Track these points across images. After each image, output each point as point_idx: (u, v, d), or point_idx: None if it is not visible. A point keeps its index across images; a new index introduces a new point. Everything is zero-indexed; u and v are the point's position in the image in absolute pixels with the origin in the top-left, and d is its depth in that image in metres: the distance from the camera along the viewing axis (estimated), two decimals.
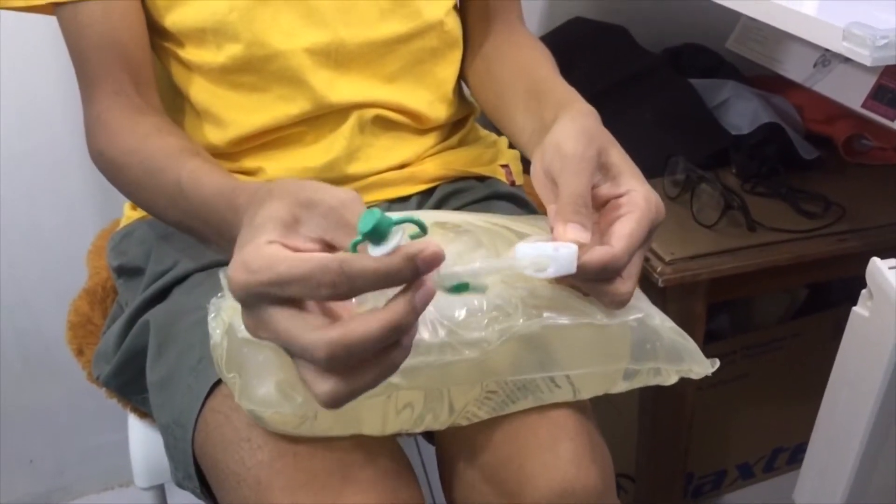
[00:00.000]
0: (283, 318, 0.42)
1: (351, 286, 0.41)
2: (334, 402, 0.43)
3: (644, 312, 0.55)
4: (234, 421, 0.58)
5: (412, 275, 0.41)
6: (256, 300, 0.43)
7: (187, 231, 0.63)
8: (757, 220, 0.98)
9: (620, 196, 0.53)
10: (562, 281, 0.53)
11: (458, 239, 0.58)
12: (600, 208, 0.54)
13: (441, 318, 0.50)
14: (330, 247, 0.45)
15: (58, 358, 1.24)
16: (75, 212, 1.19)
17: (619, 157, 0.54)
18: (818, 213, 1.00)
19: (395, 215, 0.42)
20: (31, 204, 1.18)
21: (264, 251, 0.43)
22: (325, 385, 0.43)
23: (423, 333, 0.50)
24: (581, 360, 0.55)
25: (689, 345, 0.57)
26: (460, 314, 0.51)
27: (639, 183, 0.53)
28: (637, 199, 0.52)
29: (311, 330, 0.42)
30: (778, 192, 1.04)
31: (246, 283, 0.42)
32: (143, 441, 0.81)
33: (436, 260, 0.41)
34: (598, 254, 0.50)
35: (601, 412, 0.67)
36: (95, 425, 1.35)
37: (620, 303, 0.52)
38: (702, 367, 0.57)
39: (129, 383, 0.74)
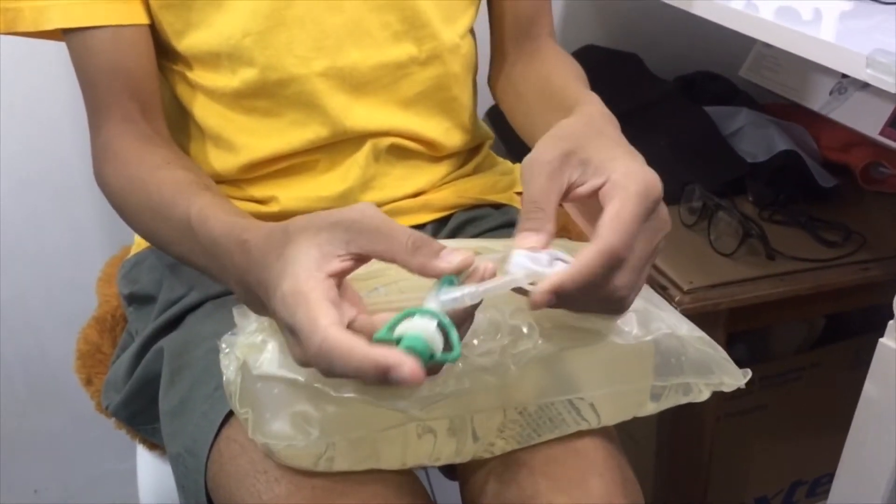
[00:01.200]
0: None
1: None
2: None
3: (670, 327, 0.53)
4: (251, 452, 0.57)
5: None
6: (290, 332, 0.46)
7: (195, 267, 0.63)
8: (776, 249, 0.97)
9: (602, 186, 0.49)
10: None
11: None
12: (590, 205, 0.51)
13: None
14: (361, 257, 0.47)
15: (63, 385, 1.23)
16: (83, 237, 1.19)
17: (599, 149, 0.51)
18: (838, 242, 0.99)
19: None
20: (38, 229, 1.17)
21: (301, 287, 0.45)
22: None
23: None
24: (603, 379, 0.54)
25: (719, 355, 0.55)
26: (475, 340, 0.50)
27: (620, 164, 0.49)
28: (616, 178, 0.49)
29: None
30: (797, 221, 1.03)
31: (282, 318, 0.46)
32: (151, 472, 0.79)
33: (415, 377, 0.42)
34: (592, 251, 0.46)
35: None
36: (101, 454, 1.33)
37: (619, 300, 0.49)
38: (734, 378, 0.55)
39: (139, 413, 0.73)
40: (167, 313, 0.71)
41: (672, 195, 1.06)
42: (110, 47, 0.68)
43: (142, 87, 0.70)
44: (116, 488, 1.35)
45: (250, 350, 0.51)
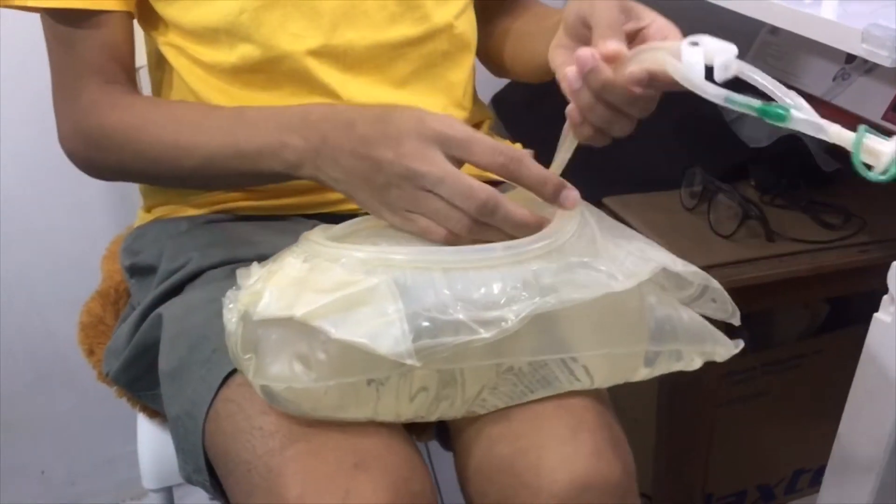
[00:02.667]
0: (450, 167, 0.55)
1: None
2: (467, 231, 0.56)
3: (662, 263, 0.55)
4: (247, 409, 0.58)
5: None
6: (439, 146, 0.55)
7: (236, 159, 0.65)
8: (776, 231, 0.97)
9: (644, 28, 0.59)
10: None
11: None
12: (630, 44, 0.58)
13: (456, 298, 0.49)
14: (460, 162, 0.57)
15: (70, 367, 1.24)
16: (90, 219, 1.20)
17: (637, 4, 0.60)
18: (838, 225, 0.99)
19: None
20: (44, 209, 1.19)
21: (441, 116, 0.57)
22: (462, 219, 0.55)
23: (436, 314, 0.49)
24: (598, 341, 0.54)
25: (710, 326, 0.56)
26: (477, 294, 0.50)
27: (659, 17, 0.59)
28: (663, 24, 0.59)
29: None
30: (797, 204, 1.03)
31: (434, 131, 0.56)
32: (151, 441, 0.80)
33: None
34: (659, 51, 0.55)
35: None
36: (107, 436, 1.34)
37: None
38: (725, 348, 0.56)
39: (138, 378, 0.74)
40: (167, 282, 0.72)
41: (673, 179, 1.07)
42: (101, 23, 0.70)
43: (124, 63, 0.73)
44: (122, 470, 1.36)
45: (251, 299, 0.52)
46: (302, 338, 0.50)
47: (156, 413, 0.79)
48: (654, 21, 0.59)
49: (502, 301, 0.51)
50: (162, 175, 0.71)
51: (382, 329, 0.48)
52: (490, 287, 0.51)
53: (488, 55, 0.90)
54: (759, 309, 1.18)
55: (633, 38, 0.59)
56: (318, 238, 0.55)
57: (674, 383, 1.04)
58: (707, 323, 0.56)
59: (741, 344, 0.56)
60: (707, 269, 0.93)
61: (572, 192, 0.57)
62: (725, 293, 0.57)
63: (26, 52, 1.09)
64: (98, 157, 0.72)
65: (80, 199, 1.19)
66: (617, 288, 0.52)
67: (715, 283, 0.58)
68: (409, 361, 0.48)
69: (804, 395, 1.21)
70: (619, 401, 1.07)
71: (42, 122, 1.14)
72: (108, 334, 0.83)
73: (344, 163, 0.58)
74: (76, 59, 0.71)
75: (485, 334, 0.49)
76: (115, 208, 1.20)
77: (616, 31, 0.57)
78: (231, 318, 0.54)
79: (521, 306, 0.50)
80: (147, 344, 0.71)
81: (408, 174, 0.55)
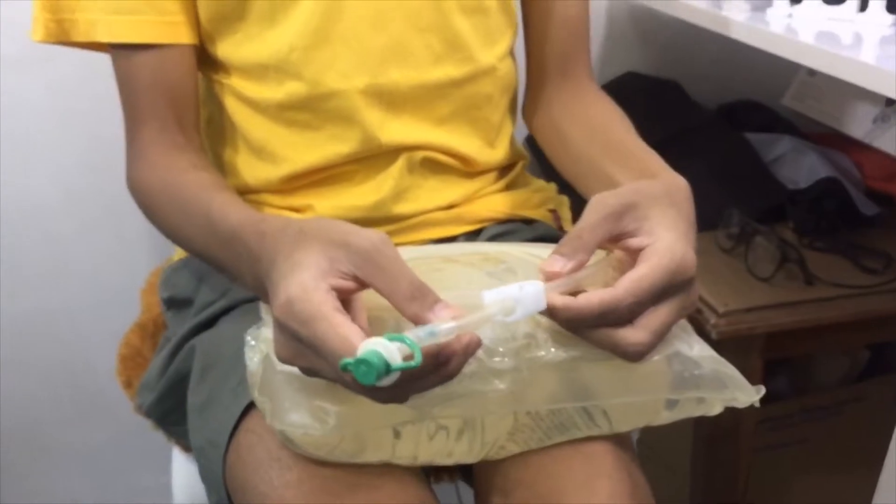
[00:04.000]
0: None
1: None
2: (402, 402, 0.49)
3: (675, 348, 0.54)
4: (268, 441, 0.58)
5: None
6: (294, 338, 0.48)
7: (213, 262, 0.65)
8: (815, 275, 0.95)
9: (647, 246, 0.52)
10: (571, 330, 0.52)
11: (493, 267, 0.58)
12: (633, 259, 0.54)
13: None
14: (362, 283, 0.49)
15: (108, 398, 1.26)
16: (132, 251, 1.22)
17: (663, 217, 0.53)
18: (879, 270, 0.97)
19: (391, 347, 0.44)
20: (88, 241, 1.21)
21: (312, 297, 0.47)
22: (387, 397, 0.48)
23: None
24: (617, 390, 0.54)
25: (732, 372, 0.55)
26: (489, 343, 0.50)
27: (669, 234, 0.52)
28: (658, 247, 0.52)
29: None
30: (837, 248, 1.02)
31: (285, 323, 0.48)
32: (185, 474, 0.81)
33: None
34: (598, 295, 0.49)
35: (651, 470, 0.65)
36: (142, 467, 1.35)
37: (633, 354, 0.51)
38: (747, 394, 0.55)
39: (170, 412, 0.74)
40: (202, 314, 0.73)
41: (710, 220, 1.06)
42: (154, 63, 0.72)
43: (180, 102, 0.74)
44: (155, 502, 1.37)
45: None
46: (323, 389, 0.51)
47: (189, 447, 0.79)
48: (653, 243, 0.52)
49: (514, 350, 0.51)
50: (179, 245, 0.73)
51: None
52: (504, 336, 0.51)
53: (530, 127, 0.87)
54: (797, 354, 1.16)
55: (635, 252, 0.54)
56: None
57: (710, 429, 1.03)
58: (728, 369, 0.55)
59: (762, 391, 0.55)
60: (744, 312, 0.93)
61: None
62: (742, 379, 0.55)
63: (75, 90, 1.13)
64: (138, 203, 0.75)
65: (122, 231, 1.21)
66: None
67: (731, 370, 0.56)
68: (425, 409, 0.48)
69: (843, 443, 1.18)
70: (653, 446, 1.05)
71: (87, 158, 1.17)
72: (146, 366, 0.84)
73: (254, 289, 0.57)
74: (134, 102, 0.73)
75: (500, 385, 0.50)
76: (157, 241, 1.22)
77: (571, 238, 0.52)
78: (253, 356, 0.54)
79: (534, 356, 0.50)
80: (180, 376, 0.72)
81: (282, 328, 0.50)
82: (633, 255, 0.53)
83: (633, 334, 0.50)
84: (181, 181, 0.69)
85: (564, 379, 0.53)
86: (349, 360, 0.44)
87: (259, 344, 0.54)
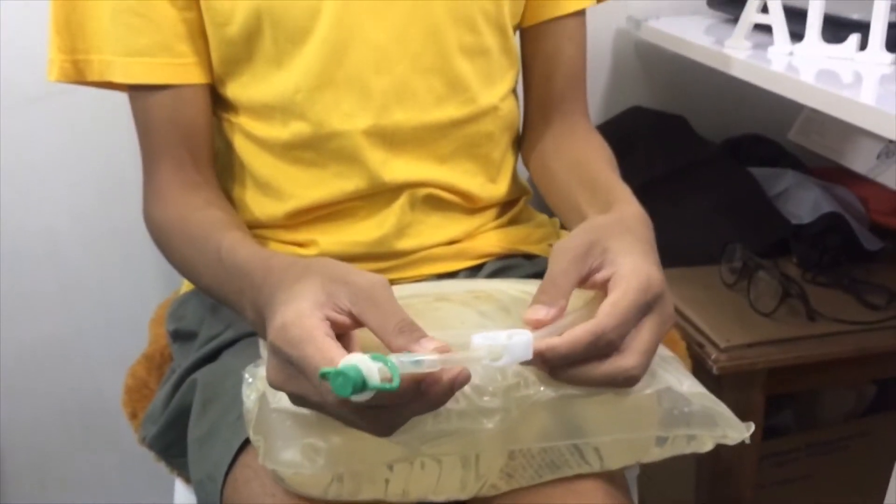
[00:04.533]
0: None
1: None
2: (387, 433, 0.50)
3: (666, 383, 0.54)
4: (263, 477, 0.59)
5: None
6: (286, 362, 0.50)
7: (219, 296, 0.67)
8: (817, 310, 0.96)
9: (612, 275, 0.54)
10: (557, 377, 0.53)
11: (486, 306, 0.59)
12: (605, 292, 0.55)
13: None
14: (356, 321, 0.51)
15: (116, 426, 1.26)
16: (144, 280, 1.24)
17: (621, 244, 0.56)
18: (882, 306, 0.97)
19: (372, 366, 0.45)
20: (102, 270, 1.23)
21: (305, 322, 0.50)
22: (370, 423, 0.49)
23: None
24: (607, 427, 0.55)
25: (722, 409, 0.56)
26: (479, 381, 0.51)
27: (629, 259, 0.54)
28: (623, 272, 0.54)
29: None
30: (840, 283, 1.02)
31: (279, 347, 0.50)
32: None
33: None
34: (582, 328, 0.50)
35: None
36: (148, 495, 1.36)
37: (628, 379, 0.52)
38: (737, 431, 0.55)
39: (172, 445, 0.75)
40: (205, 348, 0.75)
41: (713, 255, 1.07)
42: (169, 103, 0.74)
43: (196, 140, 0.76)
44: None
45: None
46: (314, 427, 0.52)
47: (190, 479, 0.80)
48: (616, 270, 0.54)
49: (503, 389, 0.52)
50: (189, 280, 0.75)
51: None
52: (493, 375, 0.52)
53: (525, 163, 0.89)
54: (801, 389, 1.16)
55: (604, 284, 0.55)
56: None
57: (713, 464, 1.02)
58: (719, 406, 0.56)
59: (752, 427, 0.56)
60: (746, 347, 0.93)
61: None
62: (732, 416, 0.56)
63: (90, 122, 1.15)
64: (153, 238, 0.77)
65: (134, 261, 1.23)
66: (619, 394, 0.53)
67: (721, 407, 0.56)
68: (414, 446, 0.49)
69: (849, 479, 1.17)
70: (657, 482, 1.05)
71: (100, 187, 1.19)
72: (151, 398, 0.85)
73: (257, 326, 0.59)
74: (151, 140, 0.76)
75: (488, 424, 0.51)
76: (168, 271, 1.24)
77: (547, 287, 0.54)
78: (249, 394, 0.55)
79: (523, 395, 0.51)
80: (182, 409, 0.73)
81: (283, 358, 0.51)
82: (604, 287, 0.55)
83: (625, 360, 0.52)
84: (196, 218, 0.71)
85: (554, 417, 0.54)
86: (328, 369, 0.46)
87: (256, 382, 0.55)
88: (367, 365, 0.45)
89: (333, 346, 0.48)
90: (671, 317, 0.55)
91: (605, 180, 0.72)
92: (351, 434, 0.50)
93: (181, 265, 0.73)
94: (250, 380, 0.56)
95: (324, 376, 0.46)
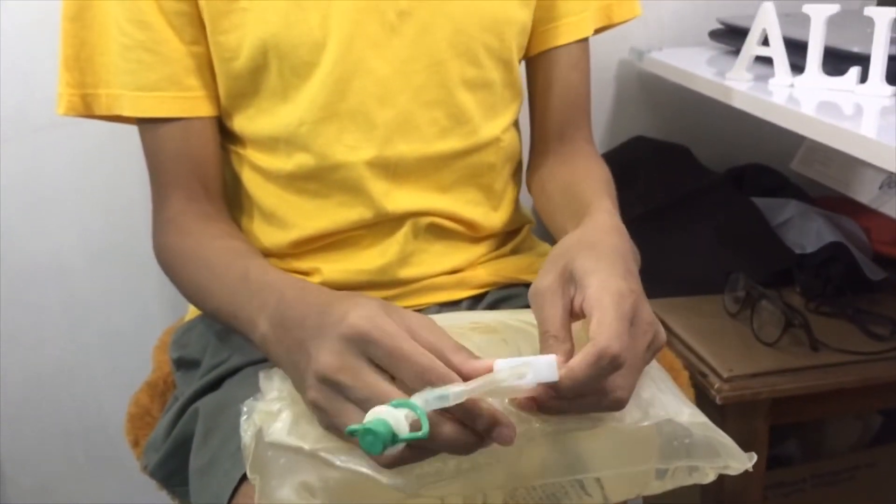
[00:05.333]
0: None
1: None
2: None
3: (666, 414, 0.54)
4: None
5: None
6: (360, 351, 0.50)
7: (230, 316, 0.66)
8: (821, 340, 0.96)
9: (583, 300, 0.54)
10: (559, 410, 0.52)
11: (484, 337, 0.59)
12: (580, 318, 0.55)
13: None
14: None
15: (118, 452, 1.26)
16: (150, 306, 1.24)
17: (584, 263, 0.55)
18: (886, 336, 0.97)
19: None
20: (109, 296, 1.23)
21: (390, 318, 0.51)
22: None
23: None
24: (609, 460, 0.54)
25: (724, 439, 0.55)
26: None
27: (594, 278, 0.54)
28: (591, 293, 0.53)
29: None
30: (843, 313, 1.02)
31: (366, 332, 0.50)
32: None
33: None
34: (593, 348, 0.49)
35: None
36: None
37: (614, 402, 0.51)
38: (739, 461, 0.55)
39: (174, 473, 0.75)
40: (207, 377, 0.75)
41: (716, 284, 1.07)
42: (179, 136, 0.75)
43: (206, 171, 0.77)
44: None
45: (267, 417, 0.54)
46: (309, 466, 0.52)
47: None
48: (586, 295, 0.54)
49: None
50: (197, 306, 0.76)
51: None
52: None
53: (529, 188, 0.90)
54: (805, 419, 1.15)
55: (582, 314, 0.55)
56: None
57: (718, 494, 1.02)
58: (720, 436, 0.56)
59: (755, 457, 0.55)
60: (749, 377, 0.93)
61: (506, 430, 0.49)
62: (734, 446, 0.56)
63: (99, 153, 1.16)
64: (164, 266, 0.77)
65: (139, 287, 1.24)
66: (621, 423, 0.53)
67: (722, 436, 0.56)
68: (410, 489, 0.49)
69: None
70: None
71: (107, 214, 1.20)
72: (154, 426, 0.85)
73: (282, 359, 0.58)
74: (162, 171, 0.76)
75: (488, 458, 0.50)
76: (174, 297, 1.25)
77: (552, 332, 0.53)
78: (247, 429, 0.55)
79: (522, 431, 0.50)
80: (184, 438, 0.73)
81: (323, 379, 0.51)
82: (583, 313, 0.54)
83: (617, 377, 0.51)
84: (216, 246, 0.72)
85: (555, 452, 0.54)
86: (355, 427, 0.45)
87: (253, 416, 0.55)
88: (393, 416, 0.44)
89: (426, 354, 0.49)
90: (651, 324, 0.54)
91: (585, 196, 0.72)
92: (346, 473, 0.50)
93: (193, 290, 0.73)
94: (246, 415, 0.56)
95: (352, 433, 0.45)
